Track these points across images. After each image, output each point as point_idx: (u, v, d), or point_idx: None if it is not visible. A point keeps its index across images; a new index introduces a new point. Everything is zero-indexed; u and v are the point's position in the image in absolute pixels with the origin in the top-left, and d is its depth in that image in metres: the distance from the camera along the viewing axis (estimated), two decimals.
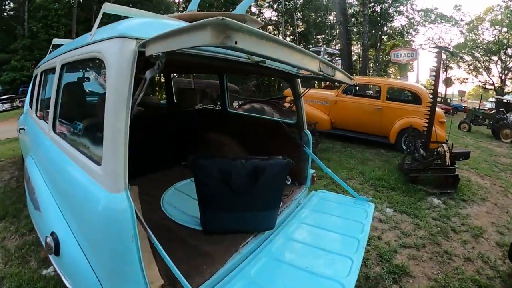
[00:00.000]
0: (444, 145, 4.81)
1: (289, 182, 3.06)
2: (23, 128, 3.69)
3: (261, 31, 0.96)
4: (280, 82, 23.51)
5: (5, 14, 26.91)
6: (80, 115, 2.08)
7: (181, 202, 2.59)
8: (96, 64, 1.37)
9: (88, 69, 1.39)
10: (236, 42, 0.86)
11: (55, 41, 3.09)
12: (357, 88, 8.09)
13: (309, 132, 2.89)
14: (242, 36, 0.88)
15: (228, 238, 2.04)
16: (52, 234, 1.73)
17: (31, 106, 3.70)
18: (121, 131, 1.23)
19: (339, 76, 1.96)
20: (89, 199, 1.36)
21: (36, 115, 3.08)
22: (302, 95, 2.82)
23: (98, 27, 1.58)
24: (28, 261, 3.07)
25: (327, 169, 2.95)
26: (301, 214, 2.51)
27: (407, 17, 25.63)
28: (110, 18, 1.74)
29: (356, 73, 21.92)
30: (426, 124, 5.15)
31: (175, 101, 3.64)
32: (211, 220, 2.11)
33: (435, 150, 4.86)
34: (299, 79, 2.81)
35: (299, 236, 2.16)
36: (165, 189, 2.90)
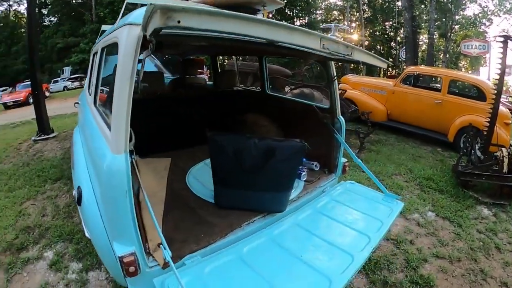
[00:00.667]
0: (504, 149, 4.25)
1: (317, 169, 3.00)
2: (77, 103, 4.36)
3: (212, 9, 1.08)
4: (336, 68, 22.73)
5: (74, 1, 29.96)
6: (109, 90, 2.30)
7: (205, 176, 2.68)
8: (116, 47, 1.57)
9: (114, 52, 1.61)
10: (179, 22, 1.00)
11: (103, 27, 3.39)
12: (421, 79, 7.44)
13: (342, 118, 2.79)
14: (185, 15, 1.01)
15: (235, 214, 2.11)
16: (78, 188, 2.03)
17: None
18: (124, 102, 1.40)
19: (361, 57, 1.85)
20: (102, 158, 1.56)
21: (88, 91, 3.37)
22: (334, 78, 2.72)
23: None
24: (72, 216, 3.47)
25: (358, 159, 2.82)
26: (319, 202, 2.45)
27: (480, 5, 22.58)
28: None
29: (424, 64, 20.19)
30: (487, 124, 4.60)
31: (216, 82, 3.72)
32: (222, 195, 2.22)
33: (494, 154, 4.33)
34: (332, 62, 2.69)
35: (308, 224, 2.12)
36: (195, 163, 3.04)
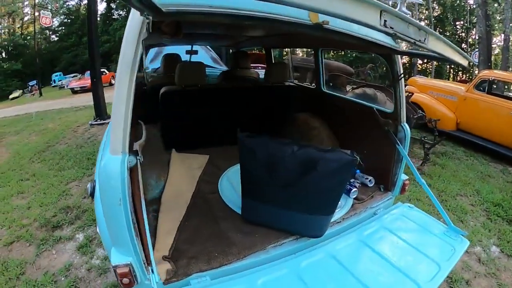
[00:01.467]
0: None
1: (371, 185, 2.61)
2: None
3: None
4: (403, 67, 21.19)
5: None
6: None
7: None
8: None
9: None
10: None
11: None
12: (495, 86, 6.51)
13: (407, 126, 2.34)
14: None
15: (262, 232, 1.84)
16: (93, 181, 1.91)
17: None
18: (123, 95, 1.20)
19: (438, 46, 1.38)
20: (103, 156, 1.42)
21: None
22: (400, 76, 2.28)
23: None
24: None
25: (421, 180, 2.35)
26: (367, 229, 2.07)
27: None
28: None
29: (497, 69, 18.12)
30: None
31: (266, 75, 3.39)
32: (249, 208, 1.94)
33: None
34: (399, 56, 2.25)
35: (345, 257, 1.77)
36: (234, 164, 2.75)
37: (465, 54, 1.63)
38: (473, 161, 5.67)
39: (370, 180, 2.60)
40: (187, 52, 5.03)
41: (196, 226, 1.87)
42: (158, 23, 1.31)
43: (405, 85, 7.03)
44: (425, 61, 22.54)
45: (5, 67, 31.01)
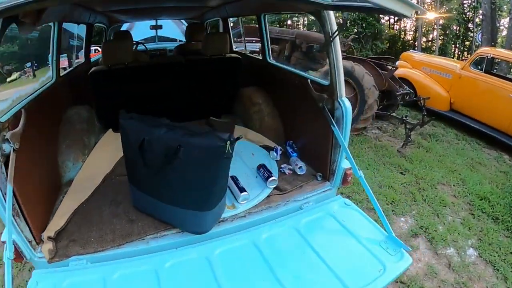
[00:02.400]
0: None
1: (302, 173, 2.13)
2: None
3: None
4: (393, 39, 19.83)
5: None
6: None
7: None
8: None
9: None
10: None
11: None
12: (497, 66, 5.82)
13: (346, 102, 1.85)
14: None
15: (147, 221, 1.71)
16: None
17: None
18: None
19: None
20: None
21: None
22: (333, 36, 1.75)
23: None
24: None
25: (358, 171, 1.84)
26: (270, 229, 1.69)
27: None
28: None
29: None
30: None
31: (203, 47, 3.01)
32: (136, 196, 1.77)
33: None
34: (330, 12, 1.77)
35: (225, 261, 1.50)
36: None
37: (411, 2, 1.15)
38: (465, 145, 5.05)
39: (300, 167, 2.09)
40: (152, 27, 5.22)
41: (91, 209, 1.83)
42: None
43: (397, 60, 6.48)
44: (430, 38, 21.48)
45: (1, 49, 30.76)
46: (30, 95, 1.88)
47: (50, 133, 2.17)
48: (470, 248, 2.71)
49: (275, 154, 2.33)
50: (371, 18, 15.82)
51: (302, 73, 2.36)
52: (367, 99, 4.59)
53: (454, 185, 3.71)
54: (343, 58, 5.35)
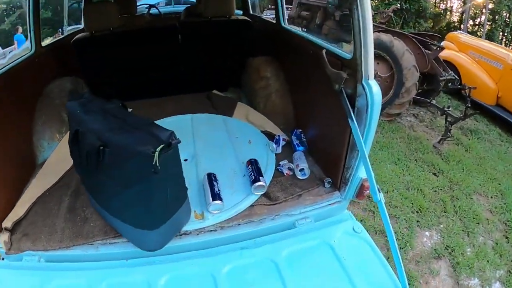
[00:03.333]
0: None
1: (304, 177, 1.64)
2: None
3: None
4: (438, 18, 18.09)
5: None
6: None
7: None
8: None
9: None
10: None
11: None
12: None
13: (373, 87, 1.28)
14: None
15: (101, 224, 1.47)
16: None
17: None
18: None
19: None
20: None
21: None
22: None
23: None
24: None
25: (378, 193, 1.32)
26: (254, 254, 1.31)
27: None
28: None
29: None
30: None
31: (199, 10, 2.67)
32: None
33: None
34: None
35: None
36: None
37: None
38: (508, 148, 4.34)
39: (302, 170, 1.61)
40: None
41: (52, 199, 1.66)
42: None
43: (442, 41, 5.69)
44: (477, 23, 19.79)
45: None
46: (3, 67, 1.72)
47: (26, 110, 1.94)
48: (497, 282, 2.24)
49: (274, 146, 1.86)
50: None
51: (317, 40, 1.82)
52: (405, 81, 4.00)
53: (491, 197, 3.13)
54: (381, 31, 4.70)
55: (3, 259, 1.40)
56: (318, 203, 1.51)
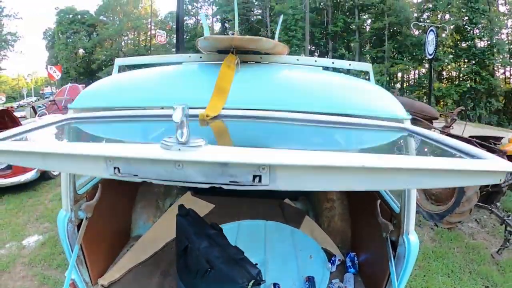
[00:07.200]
0: None
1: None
2: None
3: None
4: (509, 95, 17.19)
5: (252, 19, 36.82)
6: None
7: None
8: None
9: None
10: None
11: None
12: None
13: (412, 241, 1.54)
14: None
15: None
16: None
17: None
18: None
19: None
20: None
21: None
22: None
23: None
24: None
25: None
26: None
27: None
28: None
29: None
30: None
31: None
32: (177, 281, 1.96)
33: None
34: None
35: None
36: (231, 221, 2.69)
37: None
38: None
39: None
40: None
41: (143, 273, 2.07)
42: None
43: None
44: None
45: None
46: None
47: (127, 195, 2.52)
48: None
49: (329, 265, 2.27)
50: (485, 73, 14.04)
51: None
52: (466, 189, 3.89)
53: None
54: (447, 135, 4.63)
55: None
56: None
